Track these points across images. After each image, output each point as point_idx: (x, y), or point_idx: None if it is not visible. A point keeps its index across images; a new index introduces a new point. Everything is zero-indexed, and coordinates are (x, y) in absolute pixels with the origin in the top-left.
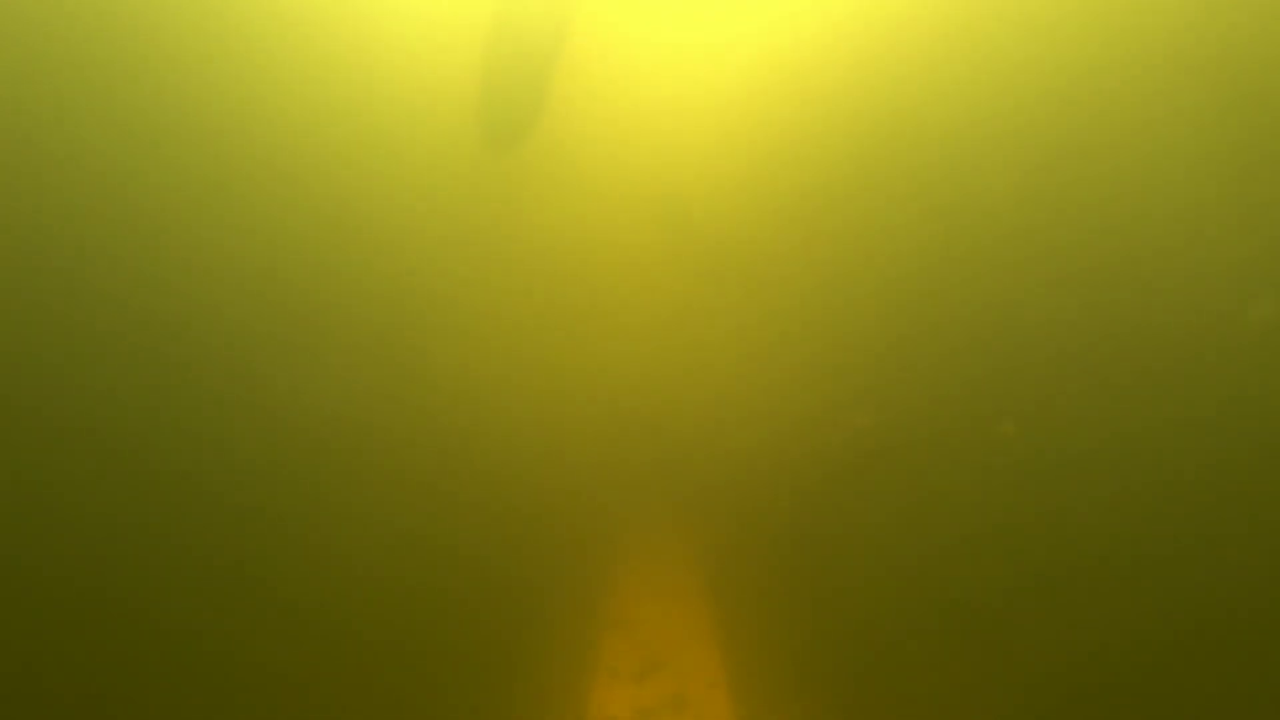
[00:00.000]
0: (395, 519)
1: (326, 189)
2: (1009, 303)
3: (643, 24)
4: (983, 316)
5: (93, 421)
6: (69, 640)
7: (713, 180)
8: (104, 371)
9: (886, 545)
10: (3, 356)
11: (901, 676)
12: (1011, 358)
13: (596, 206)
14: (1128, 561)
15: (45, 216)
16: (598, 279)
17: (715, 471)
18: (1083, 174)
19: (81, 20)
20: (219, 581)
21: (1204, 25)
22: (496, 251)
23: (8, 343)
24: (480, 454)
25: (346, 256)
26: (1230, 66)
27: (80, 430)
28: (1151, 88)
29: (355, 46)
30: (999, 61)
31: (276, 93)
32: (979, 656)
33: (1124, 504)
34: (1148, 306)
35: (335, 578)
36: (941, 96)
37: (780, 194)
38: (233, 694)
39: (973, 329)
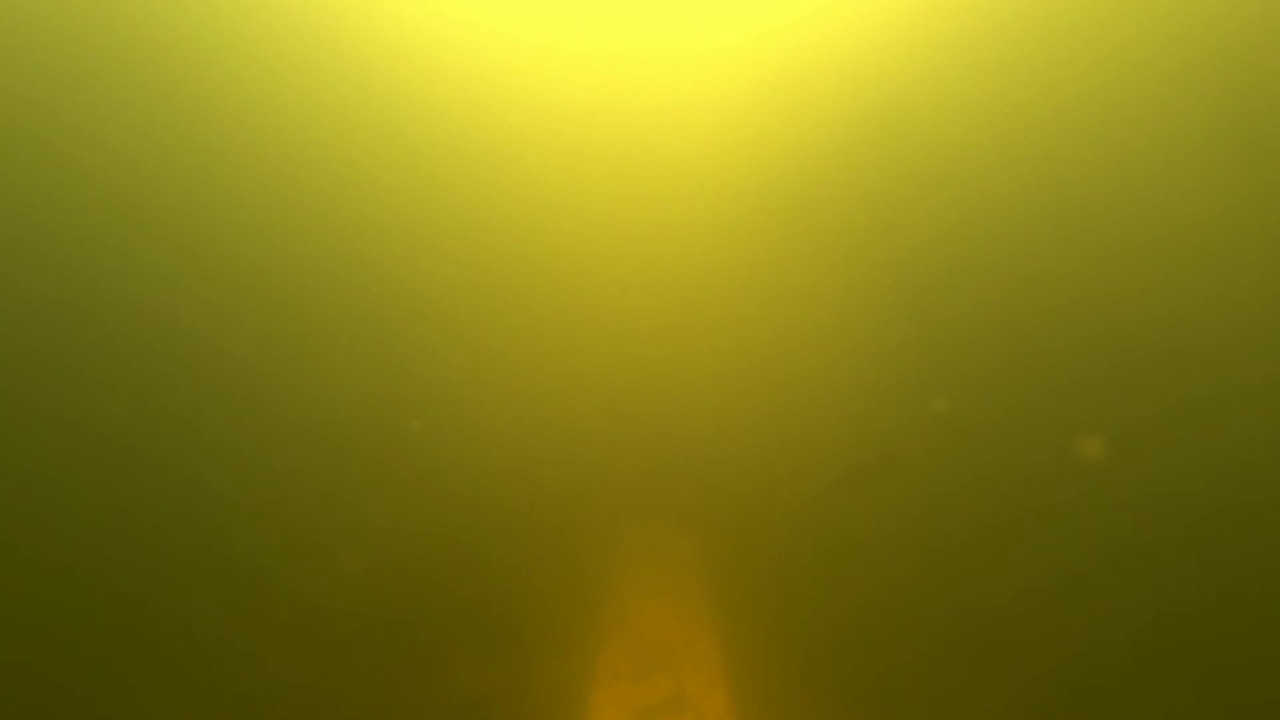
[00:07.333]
0: (398, 519)
1: (329, 190)
2: (1016, 310)
3: (647, 28)
4: (989, 324)
5: (94, 418)
6: (70, 633)
7: (718, 186)
8: (105, 368)
9: (886, 547)
10: (14, 356)
11: (901, 677)
12: (1016, 365)
13: (602, 209)
14: (1129, 563)
15: (49, 215)
16: (602, 283)
17: (717, 474)
18: (1084, 181)
19: (88, 23)
20: (217, 577)
21: (1206, 36)
22: (501, 256)
23: (11, 340)
24: (483, 455)
25: (349, 259)
26: (1232, 74)
27: (81, 426)
28: (1156, 100)
29: (359, 50)
30: (1004, 68)
31: (278, 94)
32: (978, 657)
33: (1123, 507)
34: (1150, 312)
35: (336, 576)
36: (947, 105)
37: (787, 201)
38: (230, 689)
39: (979, 337)
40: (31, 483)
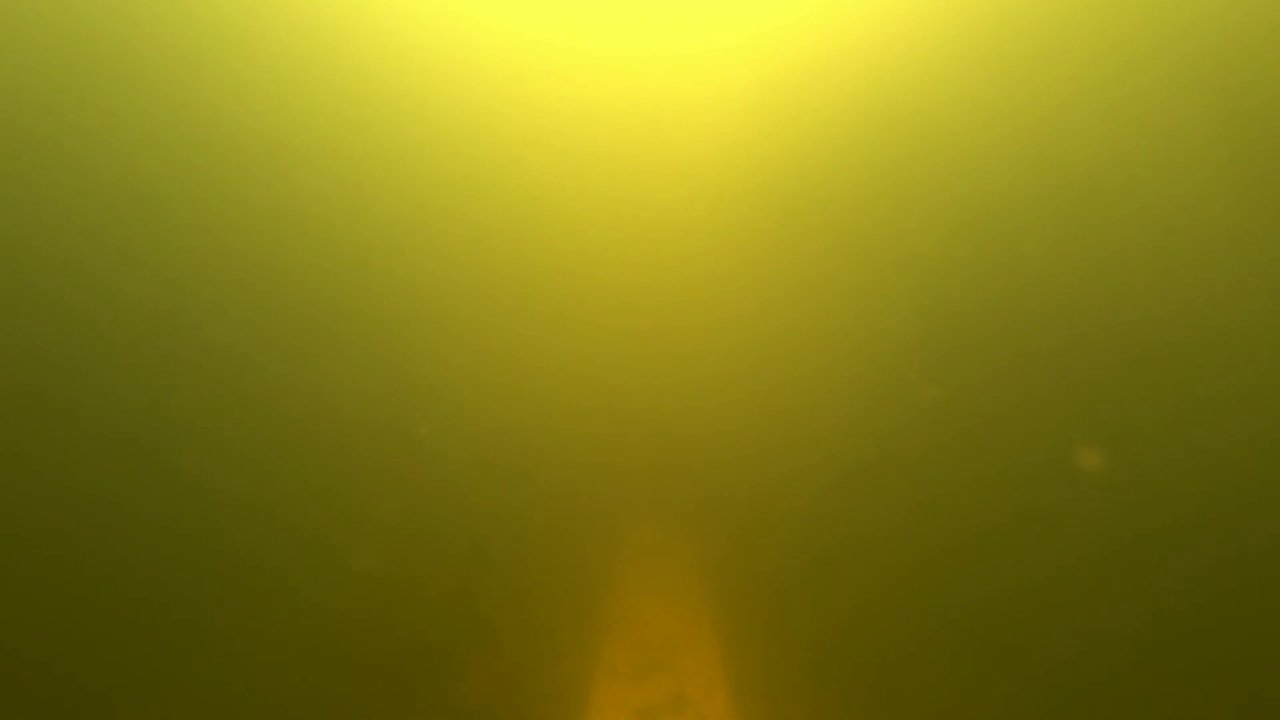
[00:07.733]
0: (397, 519)
1: (330, 189)
2: (1017, 310)
3: (649, 29)
4: (990, 324)
5: (96, 417)
6: (70, 631)
7: (720, 186)
8: (107, 367)
9: (886, 547)
10: (17, 354)
11: (901, 677)
12: (1017, 365)
13: (602, 209)
14: (1129, 563)
15: (51, 213)
16: (602, 283)
17: (717, 475)
18: (1085, 180)
19: (90, 20)
20: (219, 576)
21: (1207, 34)
22: (500, 255)
23: (22, 341)
24: (482, 454)
25: (354, 259)
26: (1233, 73)
27: (82, 425)
28: (1156, 99)
29: (358, 49)
30: (1004, 68)
31: (277, 93)
32: (978, 657)
33: (1124, 507)
34: (1151, 311)
35: (337, 576)
36: (947, 105)
37: (788, 201)
38: (232, 688)
39: (980, 337)
40: (30, 481)
